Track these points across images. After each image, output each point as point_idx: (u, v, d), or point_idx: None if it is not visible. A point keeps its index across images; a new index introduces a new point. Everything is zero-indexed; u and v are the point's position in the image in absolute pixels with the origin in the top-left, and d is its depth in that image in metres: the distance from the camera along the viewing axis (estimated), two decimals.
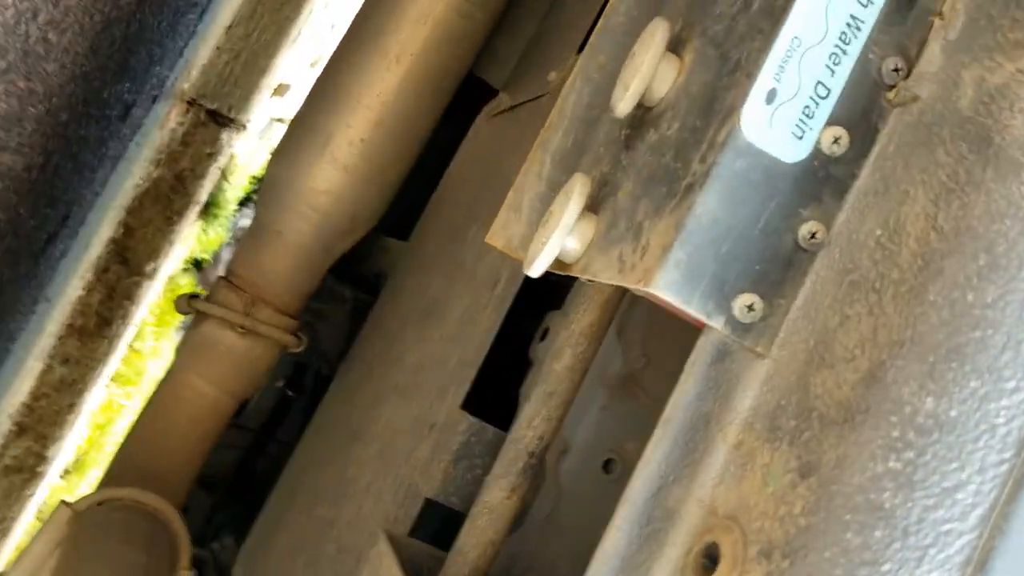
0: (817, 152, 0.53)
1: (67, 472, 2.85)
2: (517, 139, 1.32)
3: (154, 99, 2.23)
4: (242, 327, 1.31)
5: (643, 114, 0.66)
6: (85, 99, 1.82)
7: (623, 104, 0.63)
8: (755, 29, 0.56)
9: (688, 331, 0.59)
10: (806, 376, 0.50)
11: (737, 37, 0.58)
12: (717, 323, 0.53)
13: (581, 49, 1.23)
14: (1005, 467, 0.44)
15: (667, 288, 0.52)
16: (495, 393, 1.10)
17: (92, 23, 1.59)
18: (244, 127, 2.57)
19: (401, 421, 1.14)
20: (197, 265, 4.01)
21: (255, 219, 1.48)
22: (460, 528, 0.99)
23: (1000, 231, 0.45)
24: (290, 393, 2.12)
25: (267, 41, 2.13)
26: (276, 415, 2.12)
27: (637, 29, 0.73)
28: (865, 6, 0.54)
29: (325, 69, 1.49)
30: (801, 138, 0.53)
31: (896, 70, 0.54)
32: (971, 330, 0.45)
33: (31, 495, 2.31)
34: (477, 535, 0.83)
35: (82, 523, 1.15)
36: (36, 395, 2.22)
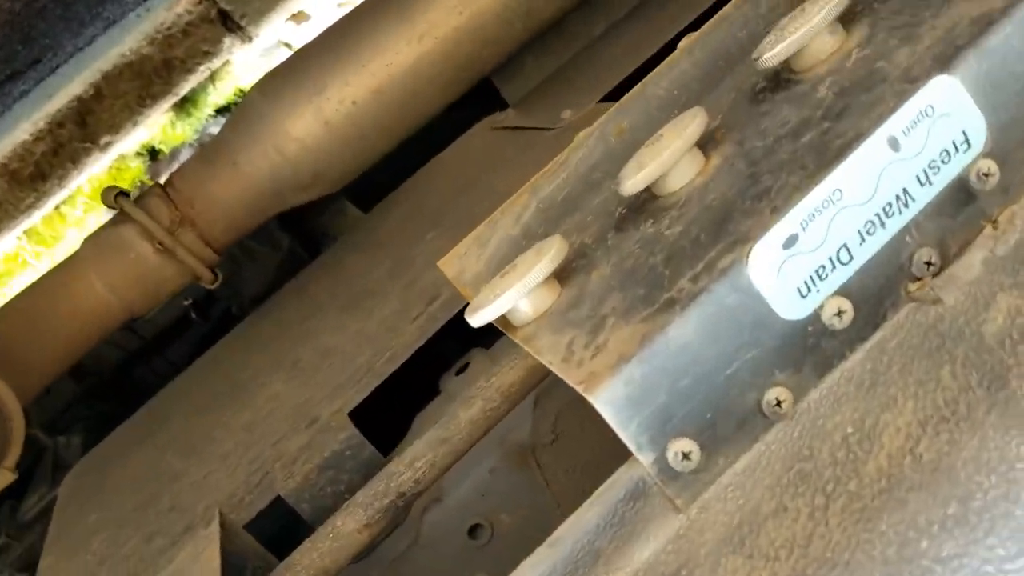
0: (815, 318, 0.48)
1: None
2: (508, 160, 1.25)
3: None
4: (160, 244, 1.22)
5: (647, 200, 0.60)
6: None
7: (631, 183, 0.57)
8: (798, 163, 0.50)
9: (609, 438, 0.53)
10: (718, 555, 0.45)
11: (776, 163, 0.52)
12: (645, 459, 0.47)
13: (606, 99, 1.18)
14: None
15: (608, 403, 0.46)
16: (390, 408, 1.03)
17: None
18: (250, 39, 2.47)
19: (286, 401, 1.06)
20: (152, 154, 3.87)
21: (217, 137, 1.39)
22: (299, 542, 0.92)
23: (981, 485, 0.40)
24: (193, 316, 2.02)
25: None
26: (172, 332, 2.02)
27: (673, 109, 0.68)
28: (922, 184, 0.48)
29: (346, 16, 1.41)
30: (805, 297, 0.48)
31: (928, 263, 0.49)
32: None
33: None
34: (314, 558, 0.76)
35: None
36: None
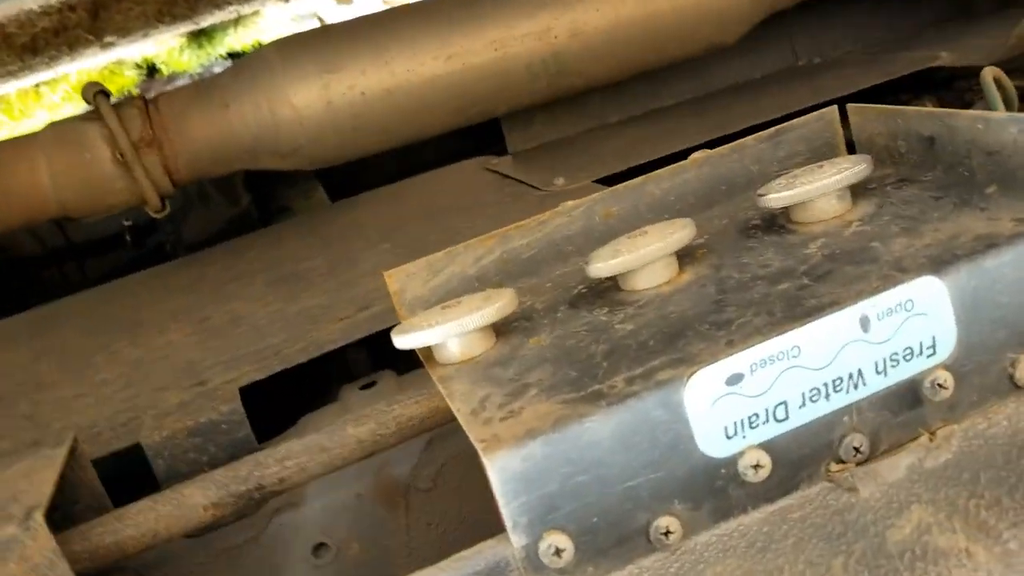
0: (731, 462, 0.46)
1: None
2: (488, 203, 1.24)
3: None
4: (121, 155, 1.18)
5: (609, 289, 0.59)
6: None
7: (601, 266, 0.56)
8: (767, 307, 0.49)
9: (487, 507, 0.51)
10: None
11: (746, 299, 0.51)
12: (517, 540, 0.45)
13: (603, 182, 1.18)
14: None
15: (501, 471, 0.44)
16: (281, 397, 0.99)
17: None
18: None
19: (181, 352, 1.02)
20: (151, 71, 3.80)
21: (218, 75, 1.36)
22: (139, 497, 0.87)
23: None
24: (128, 238, 1.96)
25: None
26: (99, 246, 1.96)
27: (665, 212, 0.67)
28: (878, 372, 0.47)
29: (388, 11, 1.40)
30: (729, 438, 0.46)
31: (857, 449, 0.48)
32: None
33: None
34: (148, 517, 0.72)
35: None
36: None
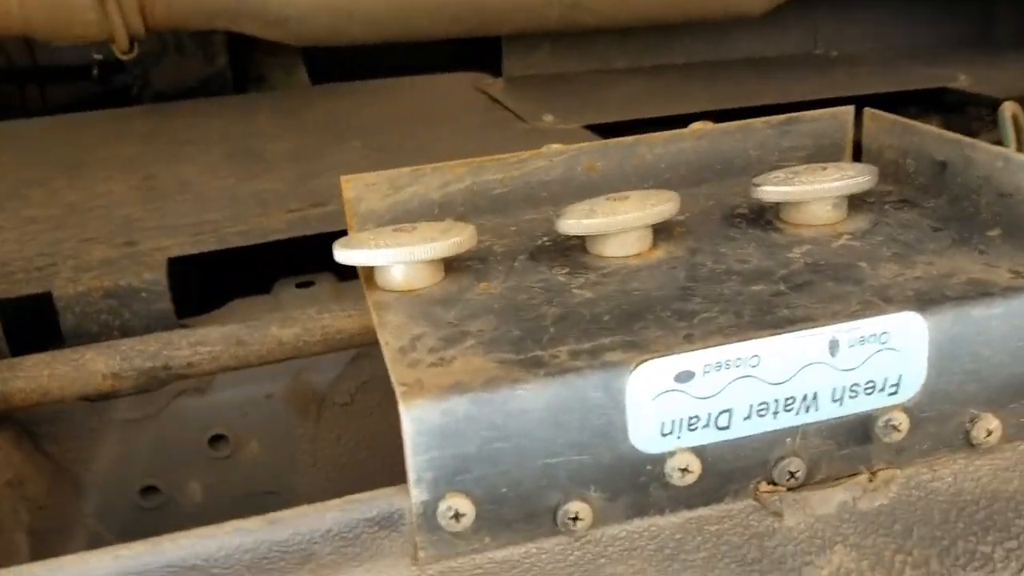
0: (659, 460, 0.43)
1: None
2: (470, 125, 1.19)
3: None
4: None
5: (574, 248, 0.55)
6: None
7: (571, 223, 0.52)
8: (735, 307, 0.46)
9: (395, 444, 0.47)
10: None
11: (715, 293, 0.48)
12: (416, 495, 0.41)
13: (594, 129, 1.13)
14: None
15: (415, 421, 0.40)
16: (210, 276, 0.94)
17: None
18: None
19: (118, 206, 0.96)
20: None
21: None
22: (40, 348, 0.83)
23: None
24: (95, 72, 1.87)
25: None
26: (65, 73, 1.87)
27: (652, 179, 0.63)
28: (833, 400, 0.44)
29: None
30: (663, 436, 0.43)
31: (792, 474, 0.45)
32: None
33: None
34: (43, 373, 0.67)
35: None
36: None
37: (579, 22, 1.31)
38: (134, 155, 1.14)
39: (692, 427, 0.43)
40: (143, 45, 1.30)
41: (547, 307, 0.48)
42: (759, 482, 0.45)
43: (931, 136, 0.58)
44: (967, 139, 0.56)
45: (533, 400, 0.41)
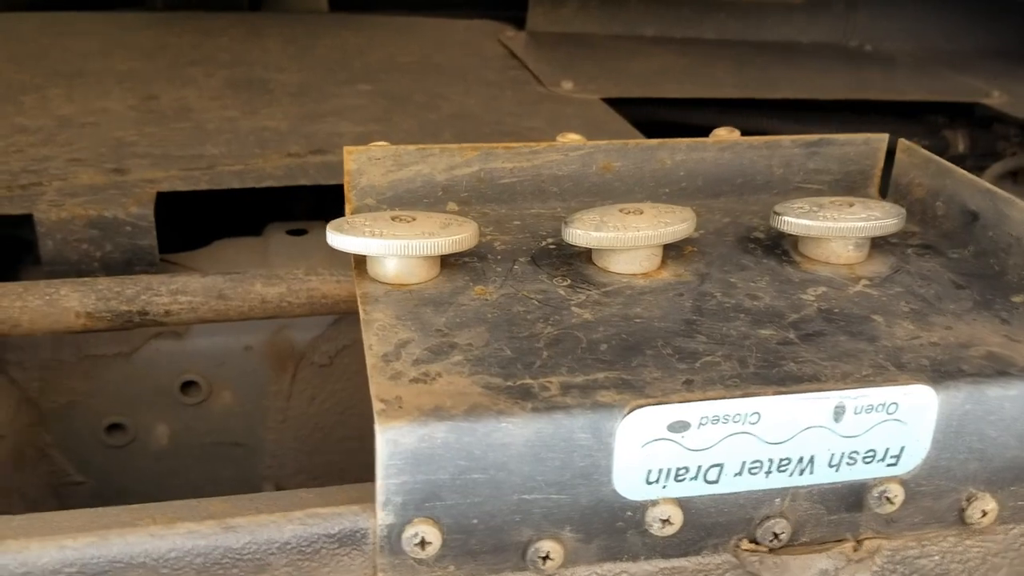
0: (641, 508, 0.41)
1: None
2: (485, 82, 1.14)
3: None
4: None
5: (579, 257, 0.52)
6: None
7: (576, 233, 0.49)
8: (740, 353, 0.43)
9: (369, 416, 0.45)
10: None
11: (720, 333, 0.45)
12: (381, 518, 0.39)
13: (612, 103, 1.09)
14: None
15: (389, 443, 0.38)
16: (198, 211, 0.91)
17: None
18: None
19: (113, 125, 0.93)
20: None
21: None
22: (14, 275, 0.80)
23: None
24: None
25: None
26: None
27: (669, 187, 0.60)
28: (830, 466, 0.42)
29: None
30: (648, 484, 0.41)
31: (775, 536, 0.43)
32: None
33: None
34: (11, 306, 0.65)
35: None
36: None
37: None
38: (135, 70, 1.09)
39: (680, 478, 0.41)
40: None
41: (543, 325, 0.45)
42: (741, 539, 0.43)
43: (966, 182, 0.55)
44: (1004, 194, 0.53)
45: (515, 434, 0.39)
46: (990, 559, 0.45)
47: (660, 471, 0.41)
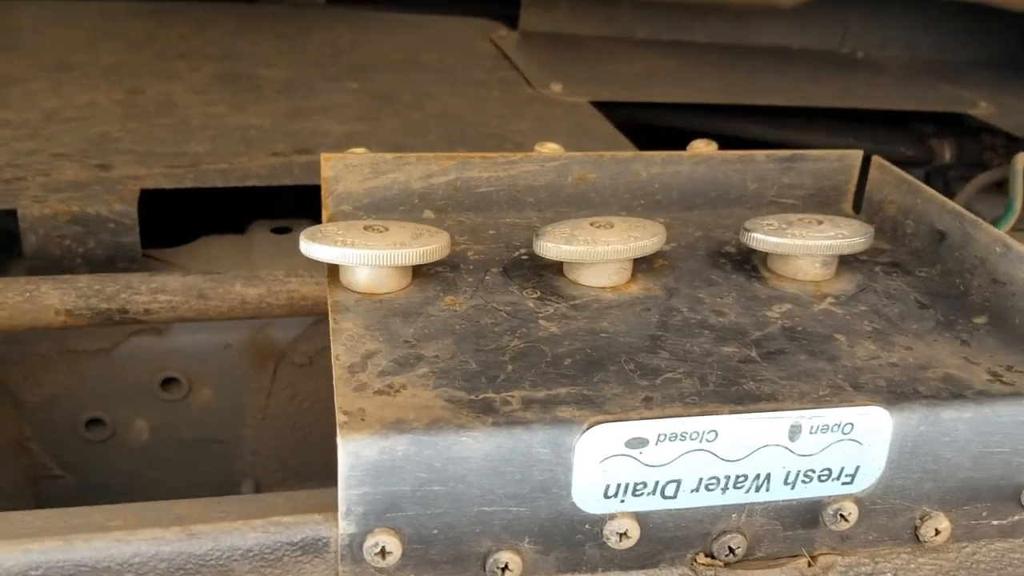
0: (599, 521, 0.42)
1: None
2: (472, 81, 1.15)
3: None
4: None
5: (548, 269, 0.53)
6: None
7: (548, 247, 0.49)
8: (701, 371, 0.44)
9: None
10: None
11: (683, 350, 0.46)
12: (343, 527, 0.40)
13: (596, 104, 1.10)
14: None
15: (351, 455, 0.39)
16: (180, 207, 0.91)
17: None
18: None
19: (98, 119, 0.93)
20: None
21: None
22: (3, 266, 0.80)
23: None
24: None
25: None
26: None
27: (642, 199, 0.60)
28: (785, 483, 0.43)
29: None
30: (607, 499, 0.42)
31: (731, 551, 0.44)
32: None
33: None
34: None
35: None
36: None
37: None
38: (122, 63, 1.10)
39: (637, 493, 0.42)
40: None
41: (509, 337, 0.46)
42: (697, 553, 0.44)
43: (935, 203, 0.56)
44: (971, 216, 0.53)
45: (475, 448, 0.39)
46: None
47: (618, 486, 0.41)
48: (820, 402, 0.42)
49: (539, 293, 0.50)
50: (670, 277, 0.53)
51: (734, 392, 0.43)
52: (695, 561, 0.44)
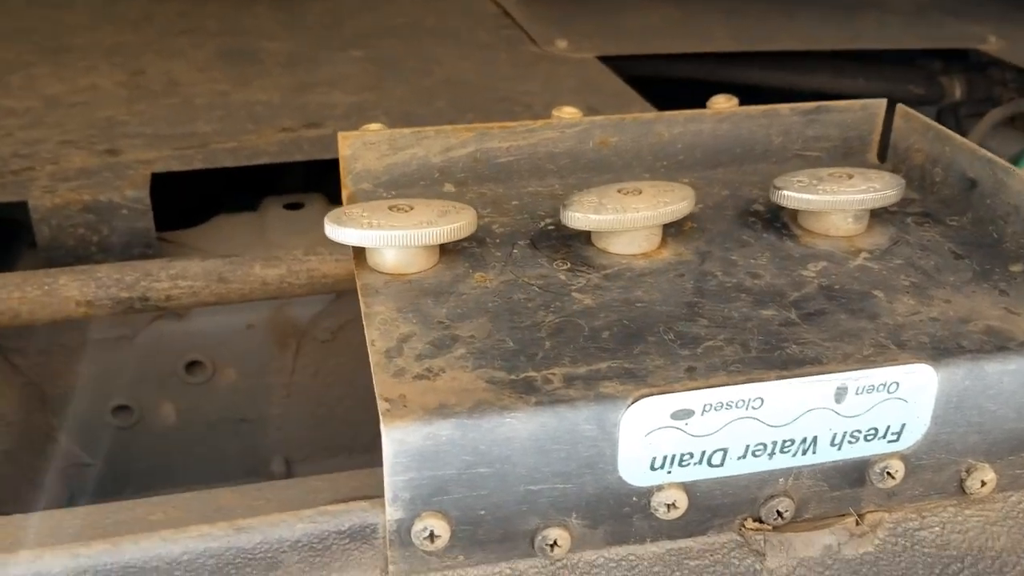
0: (647, 493, 0.42)
1: None
2: (476, 44, 1.13)
3: None
4: None
5: (578, 238, 0.52)
6: None
7: (575, 217, 0.49)
8: (741, 336, 0.44)
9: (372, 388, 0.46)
10: None
11: (721, 316, 0.45)
12: (392, 513, 0.40)
13: (603, 58, 1.08)
14: None
15: (396, 442, 0.38)
16: (193, 186, 0.91)
17: None
18: None
19: (102, 103, 0.92)
20: None
21: None
22: (10, 264, 0.80)
23: None
24: None
25: None
26: None
27: (666, 159, 0.59)
28: (832, 445, 0.43)
29: None
30: (653, 470, 0.41)
31: (780, 514, 0.43)
32: None
33: None
34: (10, 297, 0.65)
35: None
36: None
37: None
38: (122, 43, 1.08)
39: (683, 463, 0.41)
40: None
41: (544, 313, 0.45)
42: (745, 518, 0.44)
43: (965, 150, 0.55)
44: (1002, 162, 0.52)
45: (520, 429, 0.39)
46: (989, 528, 0.46)
47: (665, 458, 0.41)
48: (865, 362, 0.42)
49: (569, 264, 0.50)
50: (701, 240, 0.52)
51: (778, 357, 0.42)
52: (743, 526, 0.44)
